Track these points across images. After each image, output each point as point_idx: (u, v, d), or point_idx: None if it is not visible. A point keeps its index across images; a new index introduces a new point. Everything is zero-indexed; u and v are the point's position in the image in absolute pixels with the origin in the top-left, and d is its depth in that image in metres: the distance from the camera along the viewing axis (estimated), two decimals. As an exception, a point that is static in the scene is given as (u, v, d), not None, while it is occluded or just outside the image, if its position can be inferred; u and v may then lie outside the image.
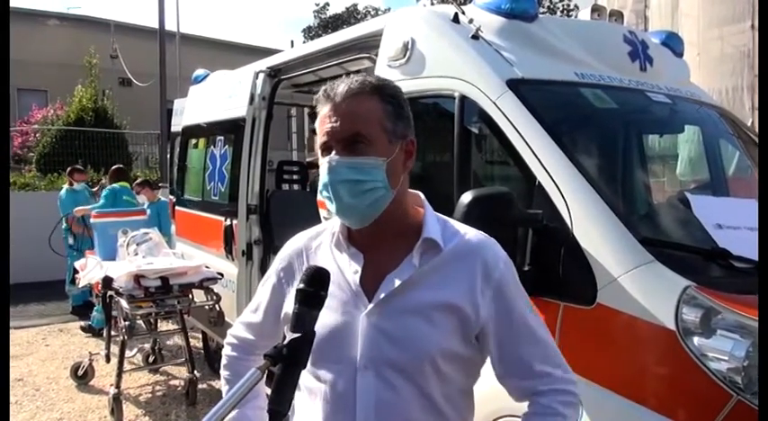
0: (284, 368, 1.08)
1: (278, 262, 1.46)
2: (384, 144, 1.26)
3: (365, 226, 1.29)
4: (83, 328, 6.70)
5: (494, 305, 1.28)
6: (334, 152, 1.25)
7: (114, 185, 6.92)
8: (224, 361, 1.56)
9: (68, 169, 7.81)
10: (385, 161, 1.26)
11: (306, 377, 1.34)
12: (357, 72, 3.85)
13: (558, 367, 1.34)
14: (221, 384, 1.57)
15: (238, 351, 1.54)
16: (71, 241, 7.03)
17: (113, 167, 7.42)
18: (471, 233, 1.35)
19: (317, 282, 1.15)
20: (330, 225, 1.40)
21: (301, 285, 1.14)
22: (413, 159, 1.34)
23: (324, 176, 1.26)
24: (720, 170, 3.20)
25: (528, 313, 1.33)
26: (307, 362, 1.11)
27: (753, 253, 1.95)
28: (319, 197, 3.22)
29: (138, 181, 7.56)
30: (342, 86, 1.27)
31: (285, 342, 1.10)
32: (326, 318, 1.28)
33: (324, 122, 1.27)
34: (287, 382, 1.08)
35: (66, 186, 7.64)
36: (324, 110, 1.28)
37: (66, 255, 7.16)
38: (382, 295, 1.27)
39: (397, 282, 1.27)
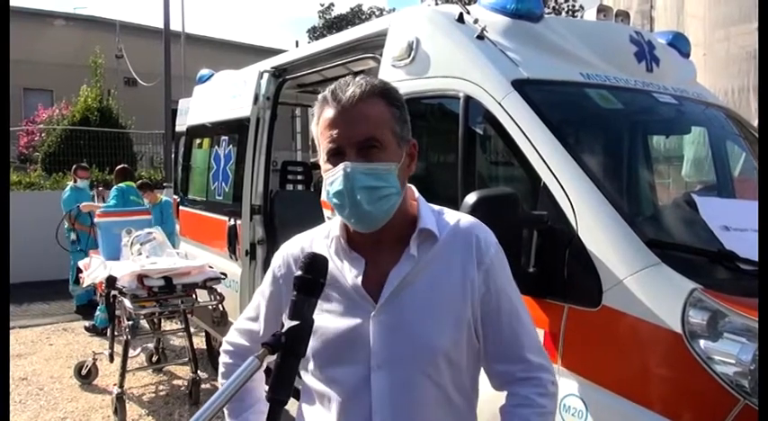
0: (283, 356, 1.07)
1: (275, 268, 1.44)
2: (394, 148, 1.26)
3: (374, 230, 1.28)
4: (87, 328, 6.71)
5: (484, 288, 1.30)
6: (347, 157, 1.21)
7: (121, 185, 6.91)
8: (221, 369, 1.54)
9: (73, 167, 7.84)
10: (397, 166, 1.26)
11: (316, 382, 1.34)
12: (361, 72, 3.84)
13: (538, 354, 1.37)
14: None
15: (235, 358, 1.51)
16: (73, 236, 7.06)
17: (119, 167, 7.39)
18: (464, 219, 1.36)
19: (315, 269, 1.13)
20: (326, 228, 1.39)
21: (299, 272, 1.13)
22: (415, 162, 1.34)
23: (338, 183, 1.22)
24: (727, 171, 3.18)
25: (515, 299, 1.36)
26: (305, 351, 1.10)
27: (760, 255, 1.93)
28: (325, 199, 3.22)
29: (138, 183, 7.53)
30: (350, 89, 1.23)
31: (283, 330, 1.09)
32: (334, 323, 1.28)
33: (332, 126, 1.23)
34: (286, 371, 1.07)
35: (70, 183, 7.66)
36: (329, 113, 1.24)
37: (69, 250, 7.17)
38: (387, 294, 1.27)
39: (400, 278, 1.27)
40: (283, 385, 1.06)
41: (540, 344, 1.40)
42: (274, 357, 1.09)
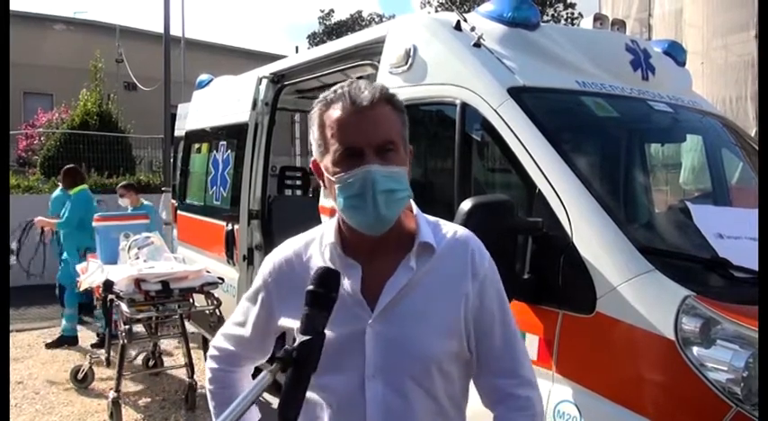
0: (294, 372, 1.05)
1: (266, 274, 1.41)
2: (403, 153, 1.28)
3: (380, 234, 1.27)
4: (94, 345, 6.32)
5: (478, 301, 1.31)
6: (367, 159, 1.21)
7: (81, 188, 6.55)
8: (209, 374, 1.52)
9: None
10: (406, 170, 1.28)
11: (311, 389, 1.33)
12: (360, 79, 3.86)
13: (529, 369, 1.38)
14: (208, 398, 1.52)
15: (223, 363, 1.50)
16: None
17: (70, 167, 6.68)
18: (460, 231, 1.38)
19: (326, 284, 1.13)
20: (317, 234, 1.38)
21: (311, 287, 1.12)
22: (410, 168, 1.35)
23: (358, 186, 1.20)
24: (722, 179, 3.19)
25: (507, 312, 1.37)
26: (317, 366, 1.09)
27: (753, 263, 1.93)
28: (327, 204, 3.20)
29: (123, 184, 7.22)
30: (367, 92, 1.24)
31: (295, 344, 1.08)
32: (330, 332, 1.27)
33: (347, 127, 1.22)
34: (297, 387, 1.05)
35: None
36: (341, 113, 1.23)
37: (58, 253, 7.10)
38: (384, 303, 1.28)
39: (397, 289, 1.28)
40: (293, 401, 1.04)
41: (527, 357, 1.41)
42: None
